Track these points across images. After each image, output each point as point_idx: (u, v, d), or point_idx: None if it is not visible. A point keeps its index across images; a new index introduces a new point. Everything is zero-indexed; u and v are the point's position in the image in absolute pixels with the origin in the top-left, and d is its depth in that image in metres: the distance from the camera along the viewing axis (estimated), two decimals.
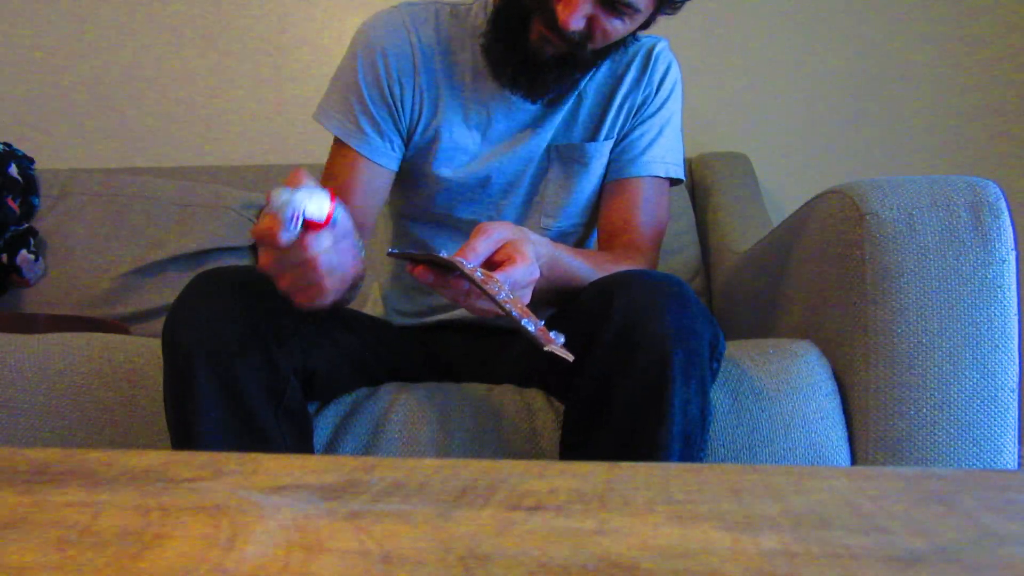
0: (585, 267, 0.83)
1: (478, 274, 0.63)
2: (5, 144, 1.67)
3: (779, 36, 1.81)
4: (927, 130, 1.78)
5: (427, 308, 1.04)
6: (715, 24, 1.79)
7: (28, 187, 1.64)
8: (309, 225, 0.57)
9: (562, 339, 0.60)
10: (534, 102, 0.94)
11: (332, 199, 0.59)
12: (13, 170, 1.62)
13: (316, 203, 0.57)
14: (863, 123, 1.80)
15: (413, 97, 0.93)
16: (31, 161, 1.70)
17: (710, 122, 1.80)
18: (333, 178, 0.93)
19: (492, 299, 0.61)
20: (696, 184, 1.70)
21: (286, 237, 0.56)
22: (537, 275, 0.70)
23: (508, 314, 0.61)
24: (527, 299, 0.70)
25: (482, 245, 0.68)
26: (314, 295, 0.63)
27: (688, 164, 1.70)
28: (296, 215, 0.56)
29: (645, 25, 0.89)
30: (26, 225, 1.61)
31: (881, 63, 1.80)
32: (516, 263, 0.67)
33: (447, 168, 0.95)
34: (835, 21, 1.81)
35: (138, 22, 1.95)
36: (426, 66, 0.93)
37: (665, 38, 1.00)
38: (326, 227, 0.59)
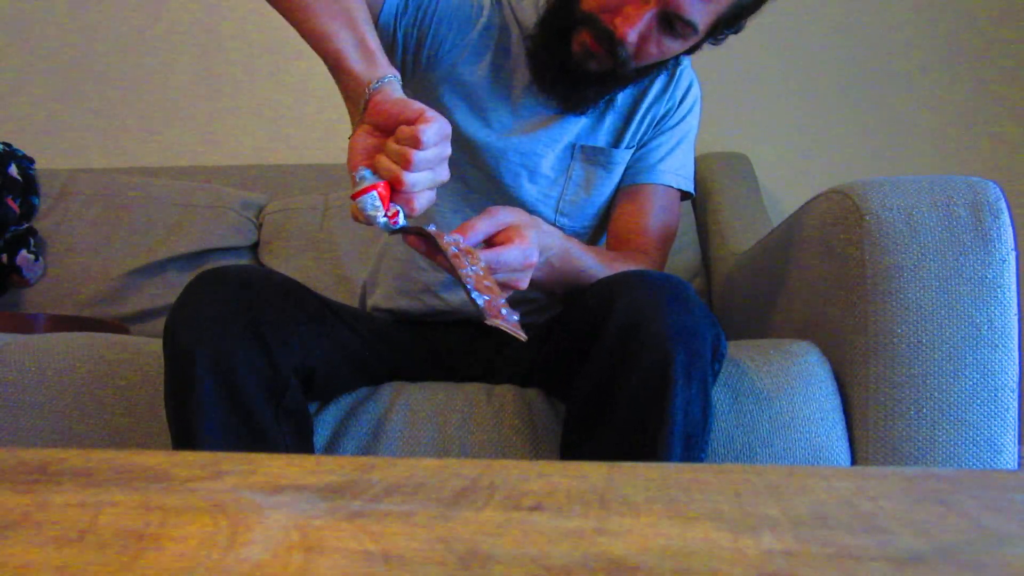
0: (595, 263, 0.84)
1: (452, 249, 0.64)
2: (5, 144, 1.67)
3: (779, 36, 1.81)
4: (927, 130, 1.78)
5: (422, 284, 1.03)
6: None
7: (28, 187, 1.64)
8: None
9: (516, 317, 0.61)
10: (567, 111, 0.94)
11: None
12: (13, 170, 1.62)
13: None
14: (863, 123, 1.80)
15: (452, 46, 0.92)
16: (31, 161, 1.70)
17: (710, 122, 1.80)
18: None
19: (453, 268, 0.62)
20: (696, 184, 1.69)
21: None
22: (535, 259, 0.70)
23: (462, 283, 0.62)
24: (524, 284, 0.70)
25: (483, 224, 0.69)
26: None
27: None
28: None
29: (692, 50, 0.90)
30: (26, 225, 1.61)
31: (881, 64, 1.79)
32: (511, 244, 0.68)
33: (470, 126, 0.95)
34: (835, 21, 1.81)
35: (138, 22, 1.95)
36: (486, 29, 0.93)
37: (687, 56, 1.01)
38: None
